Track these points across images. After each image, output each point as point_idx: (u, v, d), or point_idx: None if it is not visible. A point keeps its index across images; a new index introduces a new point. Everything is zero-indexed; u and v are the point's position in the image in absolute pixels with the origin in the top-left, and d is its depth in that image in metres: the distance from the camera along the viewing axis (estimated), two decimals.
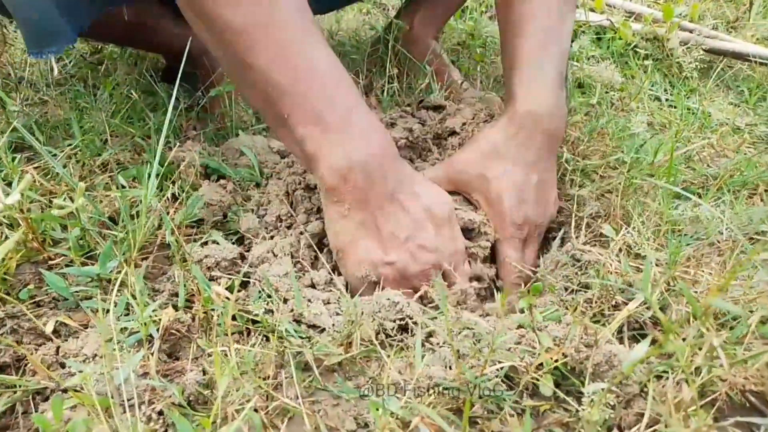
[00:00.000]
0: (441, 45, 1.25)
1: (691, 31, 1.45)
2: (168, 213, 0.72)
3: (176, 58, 1.11)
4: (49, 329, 0.52)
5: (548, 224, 0.79)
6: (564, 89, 0.80)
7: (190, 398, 0.51)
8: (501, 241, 0.76)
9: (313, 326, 0.61)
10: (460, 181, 0.78)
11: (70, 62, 1.18)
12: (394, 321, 0.61)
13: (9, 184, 0.74)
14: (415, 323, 0.61)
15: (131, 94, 1.00)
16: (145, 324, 0.55)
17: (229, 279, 0.64)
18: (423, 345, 0.60)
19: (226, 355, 0.54)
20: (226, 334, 0.59)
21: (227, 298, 0.54)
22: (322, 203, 0.70)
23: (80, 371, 0.49)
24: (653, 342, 0.56)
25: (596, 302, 0.64)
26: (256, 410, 0.51)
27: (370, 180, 0.65)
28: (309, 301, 0.63)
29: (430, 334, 0.62)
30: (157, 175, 0.69)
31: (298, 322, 0.61)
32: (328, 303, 0.64)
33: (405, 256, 0.67)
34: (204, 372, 0.54)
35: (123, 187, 0.73)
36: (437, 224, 0.69)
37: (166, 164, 0.79)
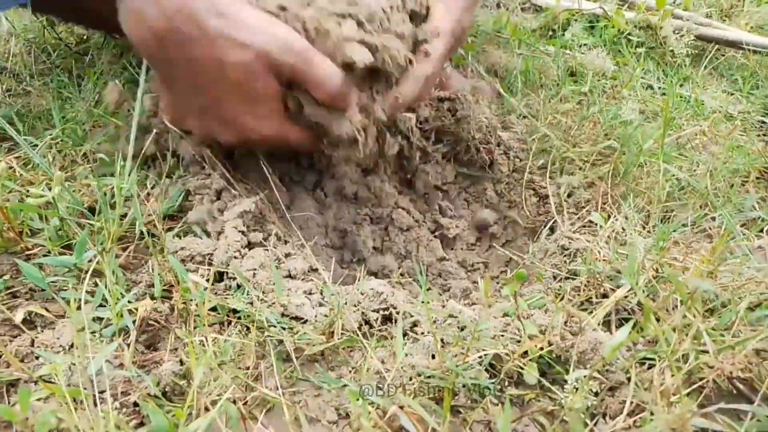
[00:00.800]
0: None
1: (684, 20, 1.44)
2: (148, 201, 0.71)
3: None
4: (18, 319, 0.50)
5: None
6: None
7: (166, 389, 0.50)
8: (441, 37, 0.77)
9: (296, 317, 0.60)
10: None
11: (55, 52, 1.16)
12: (377, 311, 0.60)
13: None
14: (398, 313, 0.60)
15: (115, 83, 0.98)
16: (120, 314, 0.53)
17: (208, 269, 0.63)
18: (406, 335, 0.59)
19: (202, 344, 0.53)
20: (205, 325, 0.59)
21: (204, 288, 0.53)
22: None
23: (51, 362, 0.48)
24: (636, 327, 0.55)
25: (584, 290, 0.63)
26: (234, 401, 0.50)
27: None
28: (289, 290, 0.61)
29: (414, 324, 0.61)
30: (135, 157, 0.67)
31: (282, 315, 0.60)
32: (310, 293, 0.62)
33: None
34: (181, 362, 0.53)
35: (103, 176, 0.72)
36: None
37: (142, 152, 0.77)
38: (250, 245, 0.66)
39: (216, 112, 0.67)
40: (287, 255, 0.67)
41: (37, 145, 0.81)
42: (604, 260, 0.66)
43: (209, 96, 0.66)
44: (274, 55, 0.63)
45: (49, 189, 0.69)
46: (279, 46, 0.63)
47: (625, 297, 0.61)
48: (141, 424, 0.49)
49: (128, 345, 0.53)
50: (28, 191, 0.70)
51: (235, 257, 0.64)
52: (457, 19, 0.78)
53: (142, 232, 0.66)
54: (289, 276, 0.64)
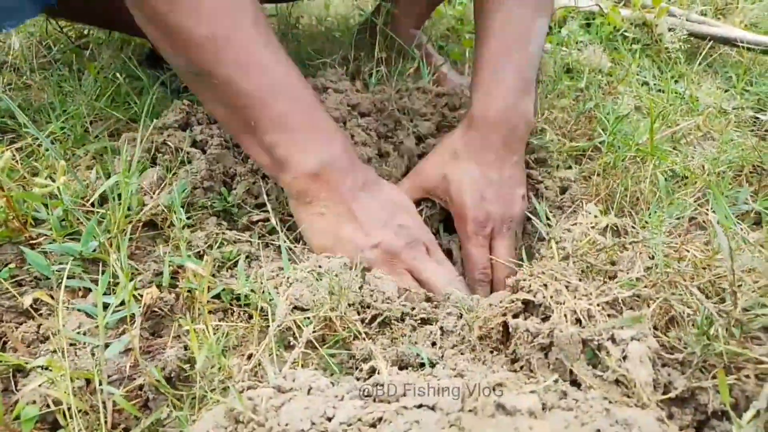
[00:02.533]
0: (425, 34, 1.24)
1: (679, 17, 1.45)
2: (154, 193, 0.72)
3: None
4: (27, 303, 0.51)
5: (519, 220, 0.79)
6: (531, 93, 0.81)
7: (171, 375, 0.51)
8: (464, 239, 0.77)
9: (297, 308, 0.61)
10: (425, 188, 0.81)
11: (55, 47, 1.17)
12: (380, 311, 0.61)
13: None
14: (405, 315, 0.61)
15: (116, 77, 0.99)
16: (125, 302, 0.54)
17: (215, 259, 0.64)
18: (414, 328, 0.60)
19: (204, 331, 0.54)
20: (211, 312, 0.60)
21: (202, 276, 0.54)
22: (292, 210, 0.71)
23: (57, 348, 0.49)
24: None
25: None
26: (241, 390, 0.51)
27: (340, 176, 0.68)
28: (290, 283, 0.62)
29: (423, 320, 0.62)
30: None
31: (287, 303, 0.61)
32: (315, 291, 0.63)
33: (389, 235, 0.68)
34: (186, 348, 0.54)
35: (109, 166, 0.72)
36: (406, 211, 0.73)
37: (142, 140, 0.78)
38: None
39: None
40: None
41: (37, 138, 0.82)
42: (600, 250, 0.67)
43: None
44: None
45: (53, 180, 0.70)
46: None
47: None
48: (145, 407, 0.50)
49: (134, 331, 0.54)
50: (32, 181, 0.71)
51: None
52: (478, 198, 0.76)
53: (146, 222, 0.67)
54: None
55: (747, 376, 0.45)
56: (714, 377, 0.46)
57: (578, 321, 0.49)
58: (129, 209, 0.68)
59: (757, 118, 1.09)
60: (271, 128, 0.66)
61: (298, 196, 0.69)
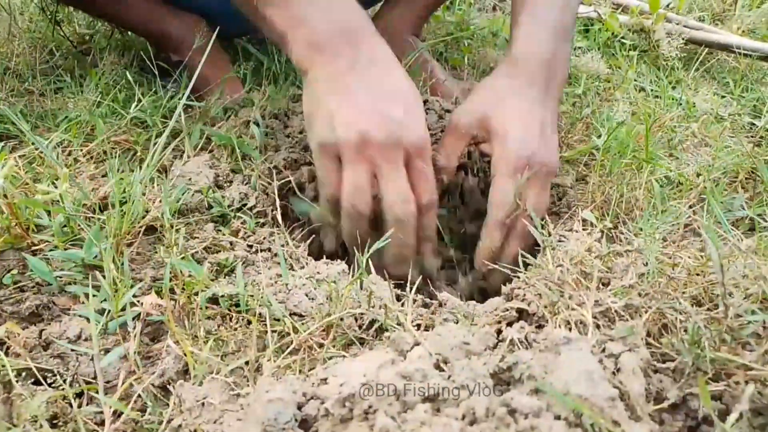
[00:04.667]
0: (422, 41, 1.23)
1: (677, 23, 1.46)
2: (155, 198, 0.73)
3: (151, 41, 1.12)
4: (28, 310, 0.52)
5: (554, 172, 0.74)
6: (568, 42, 0.79)
7: (170, 381, 0.52)
8: (498, 176, 0.71)
9: (295, 314, 0.62)
10: (465, 125, 0.75)
11: (58, 52, 1.18)
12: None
13: None
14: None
15: (118, 83, 1.00)
16: (123, 309, 0.55)
17: (210, 265, 0.65)
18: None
19: (196, 337, 0.55)
20: (209, 318, 0.60)
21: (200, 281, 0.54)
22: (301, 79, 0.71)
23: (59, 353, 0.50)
24: None
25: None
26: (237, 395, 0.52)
27: (340, 46, 0.66)
28: (289, 288, 0.63)
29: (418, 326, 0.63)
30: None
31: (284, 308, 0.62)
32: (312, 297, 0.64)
33: (371, 123, 0.64)
34: (185, 354, 0.54)
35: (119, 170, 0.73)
36: (408, 105, 0.67)
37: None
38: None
39: None
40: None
41: (42, 143, 0.83)
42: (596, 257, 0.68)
43: None
44: None
45: (55, 186, 0.71)
46: None
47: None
48: (142, 411, 0.51)
49: (133, 338, 0.55)
50: (34, 188, 0.71)
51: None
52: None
53: (147, 228, 0.67)
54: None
55: (737, 383, 0.46)
56: (705, 383, 0.46)
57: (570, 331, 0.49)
58: (132, 214, 0.68)
59: (753, 124, 1.10)
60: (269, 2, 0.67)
61: (302, 71, 0.68)
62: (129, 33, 1.23)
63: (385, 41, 0.70)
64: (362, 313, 0.61)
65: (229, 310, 0.62)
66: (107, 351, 0.53)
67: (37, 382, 0.51)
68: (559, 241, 0.70)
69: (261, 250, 0.71)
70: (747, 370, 0.46)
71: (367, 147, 0.64)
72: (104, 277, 0.58)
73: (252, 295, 0.61)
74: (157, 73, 1.03)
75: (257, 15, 0.69)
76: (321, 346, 0.58)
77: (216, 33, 0.92)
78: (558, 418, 0.37)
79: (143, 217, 0.70)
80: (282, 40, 0.69)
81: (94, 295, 0.56)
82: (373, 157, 0.64)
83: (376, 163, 0.64)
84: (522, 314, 0.55)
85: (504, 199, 0.70)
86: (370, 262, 0.62)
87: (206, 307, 0.61)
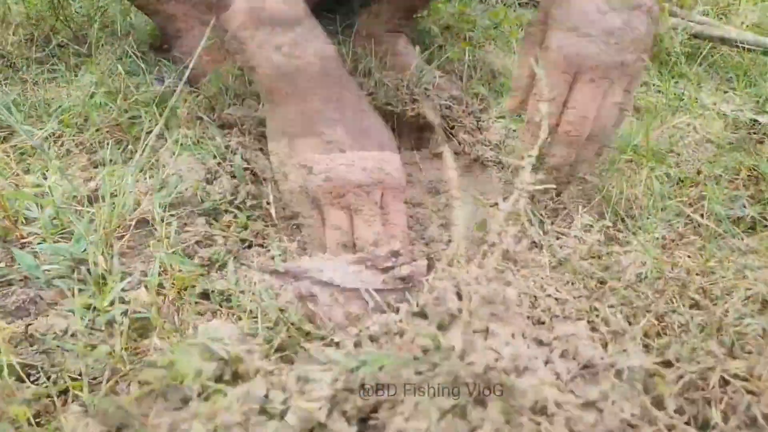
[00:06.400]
0: (405, 38, 1.16)
1: (681, 18, 1.44)
2: (147, 193, 0.72)
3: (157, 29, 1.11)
4: (15, 304, 0.51)
5: (640, 68, 0.66)
6: None
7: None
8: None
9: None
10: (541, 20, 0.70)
11: (52, 42, 1.16)
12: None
13: None
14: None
15: (113, 73, 0.99)
16: (112, 303, 0.54)
17: (200, 259, 0.64)
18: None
19: (185, 333, 0.54)
20: (199, 313, 0.59)
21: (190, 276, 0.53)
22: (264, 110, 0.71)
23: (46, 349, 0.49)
24: None
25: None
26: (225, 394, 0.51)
27: (313, 83, 0.66)
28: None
29: None
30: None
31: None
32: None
33: (343, 166, 0.64)
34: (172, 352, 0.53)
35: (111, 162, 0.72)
36: (381, 147, 0.67)
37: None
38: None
39: None
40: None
41: (34, 134, 0.81)
42: (594, 257, 0.67)
43: None
44: None
45: (45, 178, 0.70)
46: None
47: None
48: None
49: (120, 333, 0.54)
50: (24, 180, 0.70)
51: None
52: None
53: (140, 221, 0.66)
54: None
55: (735, 392, 0.45)
56: (703, 389, 0.46)
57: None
58: (123, 207, 0.67)
59: (756, 120, 1.08)
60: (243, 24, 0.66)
61: (267, 93, 0.68)
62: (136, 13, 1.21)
63: (353, 79, 0.70)
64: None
65: (220, 305, 0.61)
66: (93, 347, 0.52)
67: (20, 379, 0.50)
68: (557, 239, 0.69)
69: (254, 245, 0.70)
70: (744, 381, 0.45)
71: (342, 189, 0.64)
72: (90, 272, 0.57)
73: (243, 292, 0.60)
74: (155, 59, 1.01)
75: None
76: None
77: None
78: None
79: (135, 210, 0.69)
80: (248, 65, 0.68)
81: (80, 290, 0.55)
82: (348, 201, 0.65)
83: (351, 209, 0.65)
84: None
85: (580, 108, 0.66)
86: None
87: (196, 303, 0.60)
